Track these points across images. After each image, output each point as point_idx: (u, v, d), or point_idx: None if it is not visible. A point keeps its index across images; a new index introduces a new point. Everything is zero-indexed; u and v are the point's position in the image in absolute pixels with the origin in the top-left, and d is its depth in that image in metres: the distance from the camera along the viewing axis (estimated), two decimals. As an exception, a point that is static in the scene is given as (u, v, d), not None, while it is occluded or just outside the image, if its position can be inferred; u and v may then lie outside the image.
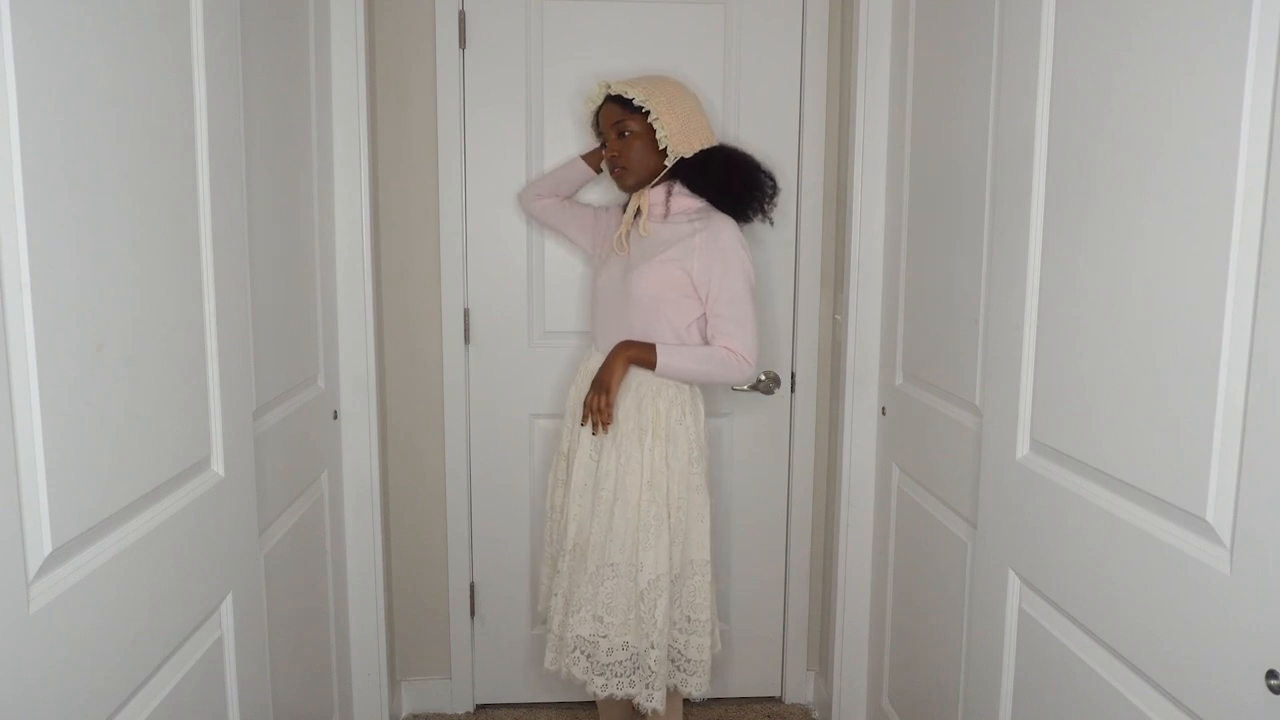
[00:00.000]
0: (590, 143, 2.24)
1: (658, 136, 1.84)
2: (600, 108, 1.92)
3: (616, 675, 1.84)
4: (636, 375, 1.86)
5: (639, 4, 2.22)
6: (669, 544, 1.82)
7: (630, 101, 1.85)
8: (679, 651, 1.89)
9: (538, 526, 2.40)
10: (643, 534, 1.81)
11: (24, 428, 0.81)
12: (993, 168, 1.50)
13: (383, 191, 2.24)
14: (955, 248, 1.68)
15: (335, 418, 2.06)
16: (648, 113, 1.83)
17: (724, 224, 1.83)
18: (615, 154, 1.89)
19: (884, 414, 2.12)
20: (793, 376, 2.37)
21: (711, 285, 1.81)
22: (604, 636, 1.83)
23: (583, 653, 1.85)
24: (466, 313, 2.31)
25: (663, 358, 1.80)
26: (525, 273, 2.31)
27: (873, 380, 2.16)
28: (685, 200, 1.88)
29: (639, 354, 1.83)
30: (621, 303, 1.89)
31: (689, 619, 1.88)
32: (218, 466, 1.25)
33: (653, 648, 1.81)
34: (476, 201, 2.28)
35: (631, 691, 1.84)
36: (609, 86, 1.89)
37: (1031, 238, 1.30)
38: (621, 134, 1.87)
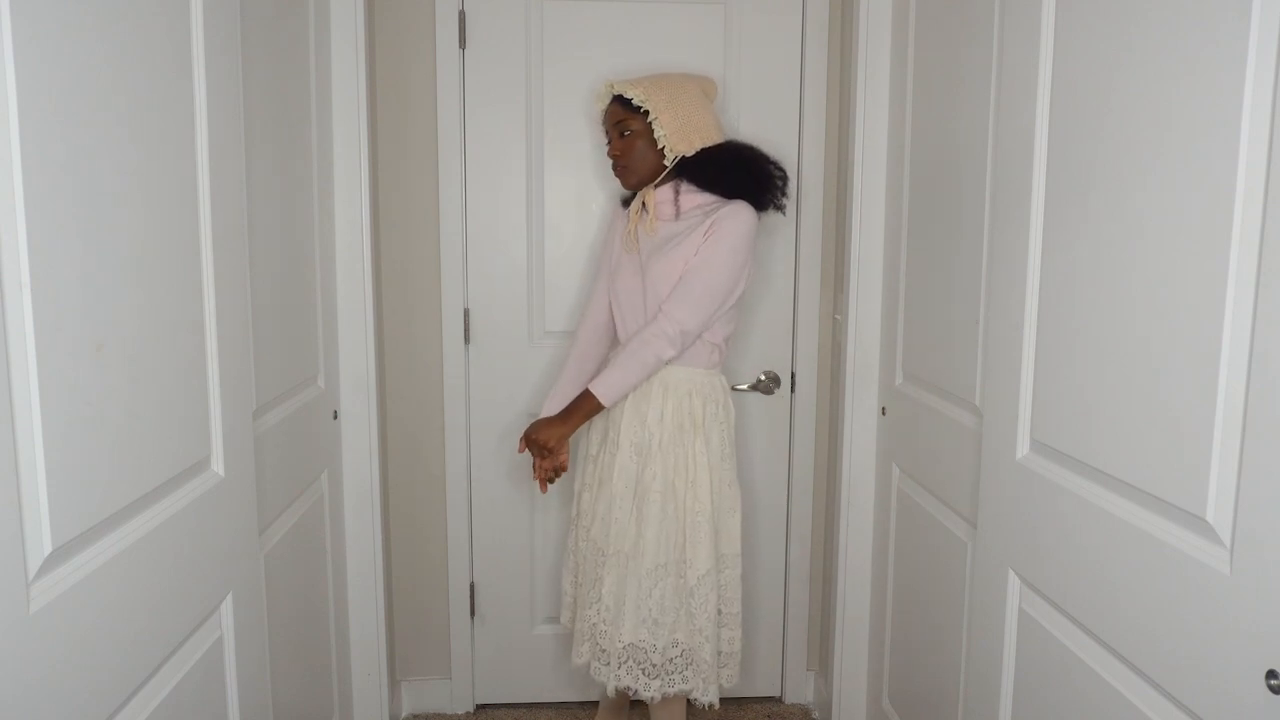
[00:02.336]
0: (600, 140, 2.25)
1: (655, 136, 1.84)
2: (606, 110, 1.93)
3: (670, 674, 1.86)
4: (672, 377, 1.86)
5: (639, 4, 2.22)
6: (712, 539, 1.85)
7: (630, 101, 1.85)
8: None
9: (538, 527, 2.40)
10: (690, 531, 1.84)
11: (24, 428, 0.81)
12: (993, 167, 1.50)
13: (383, 191, 2.24)
14: (955, 247, 1.68)
15: (335, 418, 2.06)
16: (647, 112, 1.84)
17: (739, 206, 1.82)
18: (617, 153, 1.90)
19: (884, 414, 2.12)
20: (793, 376, 2.37)
21: (697, 253, 1.81)
22: (657, 639, 1.84)
23: (635, 661, 1.85)
24: (466, 313, 2.31)
25: (599, 392, 1.82)
26: (525, 273, 2.31)
27: (873, 380, 2.16)
28: (695, 197, 1.88)
29: (583, 412, 1.85)
30: (645, 302, 1.89)
31: (720, 611, 1.91)
32: (218, 466, 1.25)
33: (706, 641, 1.85)
34: (476, 201, 2.28)
35: (686, 688, 1.87)
36: (613, 86, 1.89)
37: (1031, 238, 1.30)
38: (622, 133, 1.88)
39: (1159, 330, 1.03)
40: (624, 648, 1.85)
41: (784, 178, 1.91)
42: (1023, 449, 1.35)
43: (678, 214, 1.89)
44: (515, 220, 2.30)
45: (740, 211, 1.81)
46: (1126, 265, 1.09)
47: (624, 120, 1.87)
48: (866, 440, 2.18)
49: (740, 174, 1.86)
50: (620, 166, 1.91)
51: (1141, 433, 1.06)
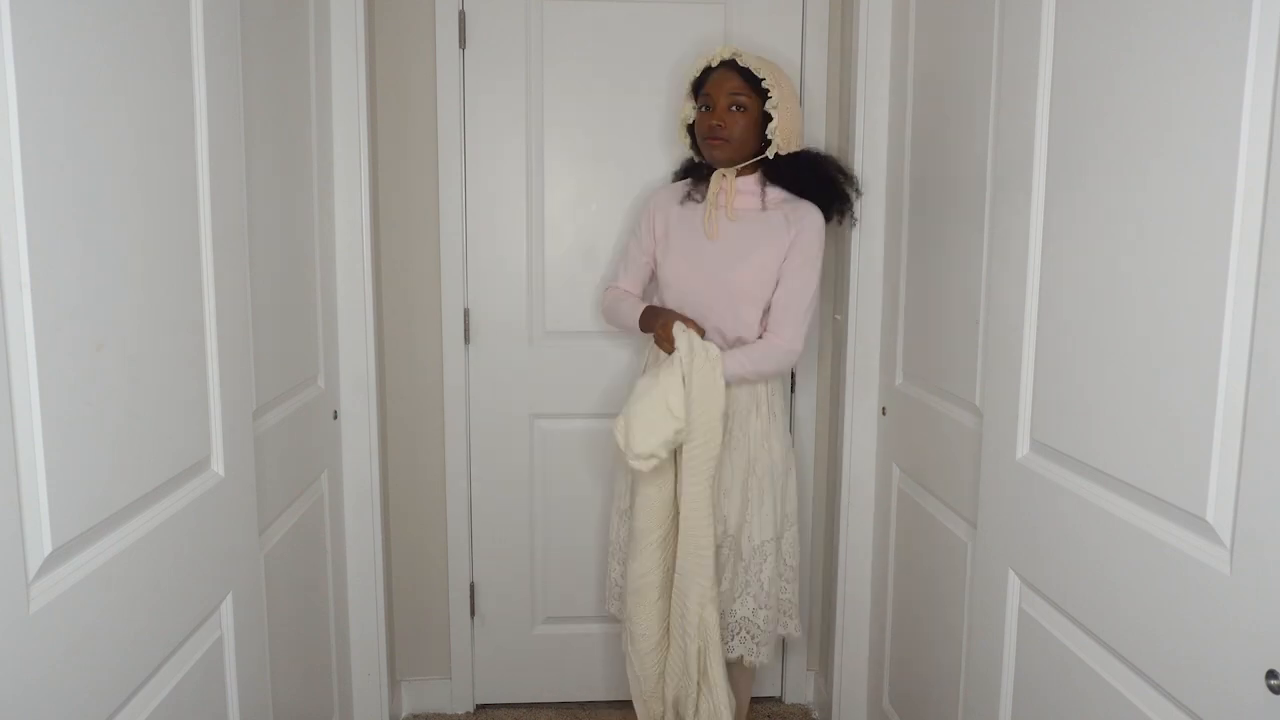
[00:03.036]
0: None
1: (769, 128, 1.83)
2: (713, 73, 1.86)
3: (764, 644, 1.95)
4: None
5: (639, 4, 2.22)
6: (776, 505, 1.94)
7: (756, 79, 1.82)
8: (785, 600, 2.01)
9: (538, 526, 2.40)
10: (787, 514, 1.98)
11: (24, 428, 0.81)
12: (993, 167, 1.50)
13: (383, 191, 2.24)
14: (955, 248, 1.68)
15: (335, 418, 2.06)
16: (768, 98, 1.82)
17: (815, 217, 1.86)
18: (721, 124, 1.83)
19: (884, 414, 2.12)
20: (793, 376, 2.37)
21: (786, 272, 1.85)
22: (764, 609, 1.93)
23: (748, 633, 1.94)
24: (466, 313, 2.31)
25: (727, 367, 1.82)
26: (525, 273, 2.31)
27: (873, 380, 2.16)
28: (777, 191, 1.90)
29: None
30: (716, 290, 1.88)
31: (789, 566, 1.99)
32: (218, 466, 1.25)
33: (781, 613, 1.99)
34: (476, 201, 2.28)
35: (767, 658, 1.97)
36: (738, 54, 1.85)
37: (1031, 238, 1.30)
38: (735, 106, 1.83)
39: (1159, 330, 1.03)
40: (739, 620, 1.94)
41: (858, 193, 1.97)
42: (1023, 449, 1.35)
43: (764, 205, 1.89)
44: (515, 220, 2.30)
45: (819, 222, 1.86)
46: (1126, 265, 1.09)
47: (741, 94, 1.82)
48: (866, 440, 2.18)
49: (816, 184, 1.89)
50: (720, 139, 1.84)
51: (1141, 433, 1.06)
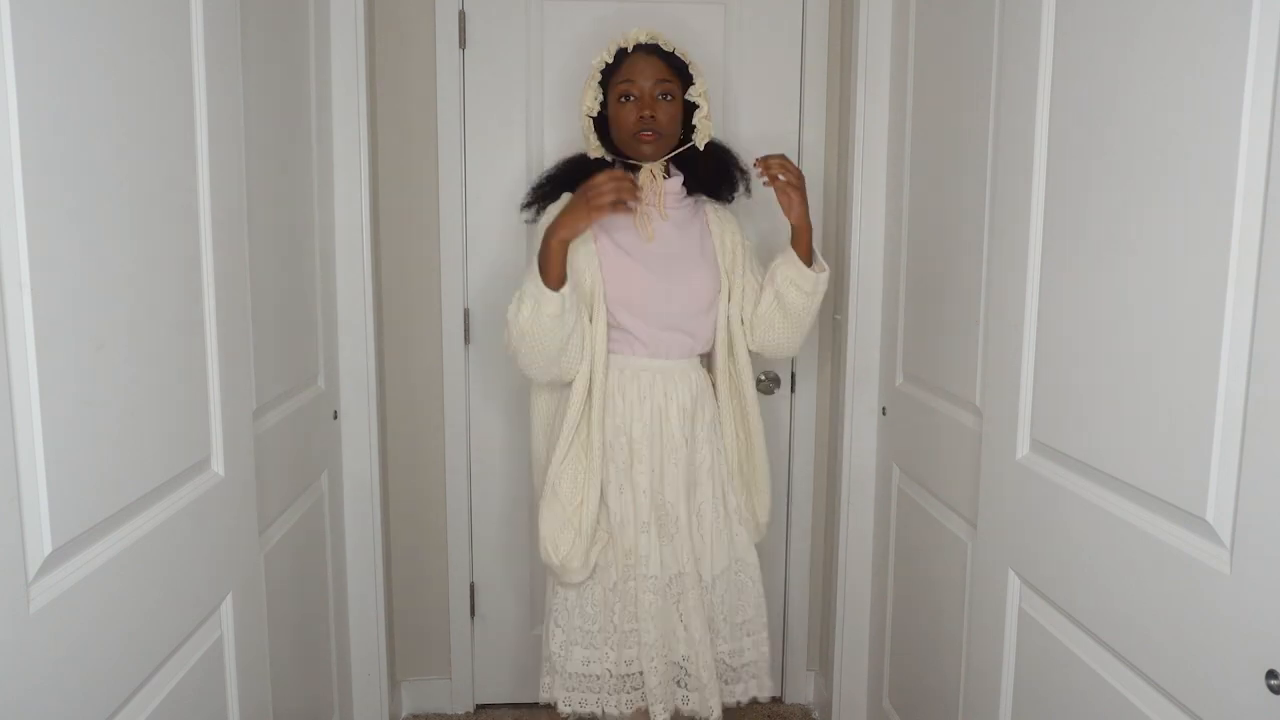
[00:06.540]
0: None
1: (698, 118, 1.69)
2: (628, 57, 1.65)
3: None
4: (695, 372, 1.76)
5: (639, 4, 2.22)
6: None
7: (682, 66, 1.67)
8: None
9: (537, 526, 2.40)
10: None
11: (24, 428, 0.81)
12: (993, 167, 1.50)
13: (383, 191, 2.24)
14: (955, 248, 1.68)
15: (335, 418, 2.06)
16: (690, 84, 1.68)
17: (714, 205, 1.84)
18: (652, 114, 1.63)
19: (884, 414, 2.12)
20: (793, 376, 2.37)
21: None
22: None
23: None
24: (466, 313, 2.31)
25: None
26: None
27: (873, 380, 2.16)
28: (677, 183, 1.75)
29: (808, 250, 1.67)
30: (674, 301, 1.69)
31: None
32: (218, 466, 1.25)
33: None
34: (476, 201, 2.28)
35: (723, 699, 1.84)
36: (657, 36, 1.66)
37: (1031, 238, 1.30)
38: (664, 94, 1.65)
39: (1159, 330, 1.03)
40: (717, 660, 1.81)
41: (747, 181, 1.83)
42: (1023, 449, 1.35)
43: (680, 205, 1.76)
44: (515, 220, 2.29)
45: (726, 212, 1.85)
46: (1127, 264, 1.09)
47: (670, 82, 1.65)
48: (866, 440, 2.18)
49: (730, 177, 1.80)
50: (653, 132, 1.64)
51: (1142, 433, 1.06)
